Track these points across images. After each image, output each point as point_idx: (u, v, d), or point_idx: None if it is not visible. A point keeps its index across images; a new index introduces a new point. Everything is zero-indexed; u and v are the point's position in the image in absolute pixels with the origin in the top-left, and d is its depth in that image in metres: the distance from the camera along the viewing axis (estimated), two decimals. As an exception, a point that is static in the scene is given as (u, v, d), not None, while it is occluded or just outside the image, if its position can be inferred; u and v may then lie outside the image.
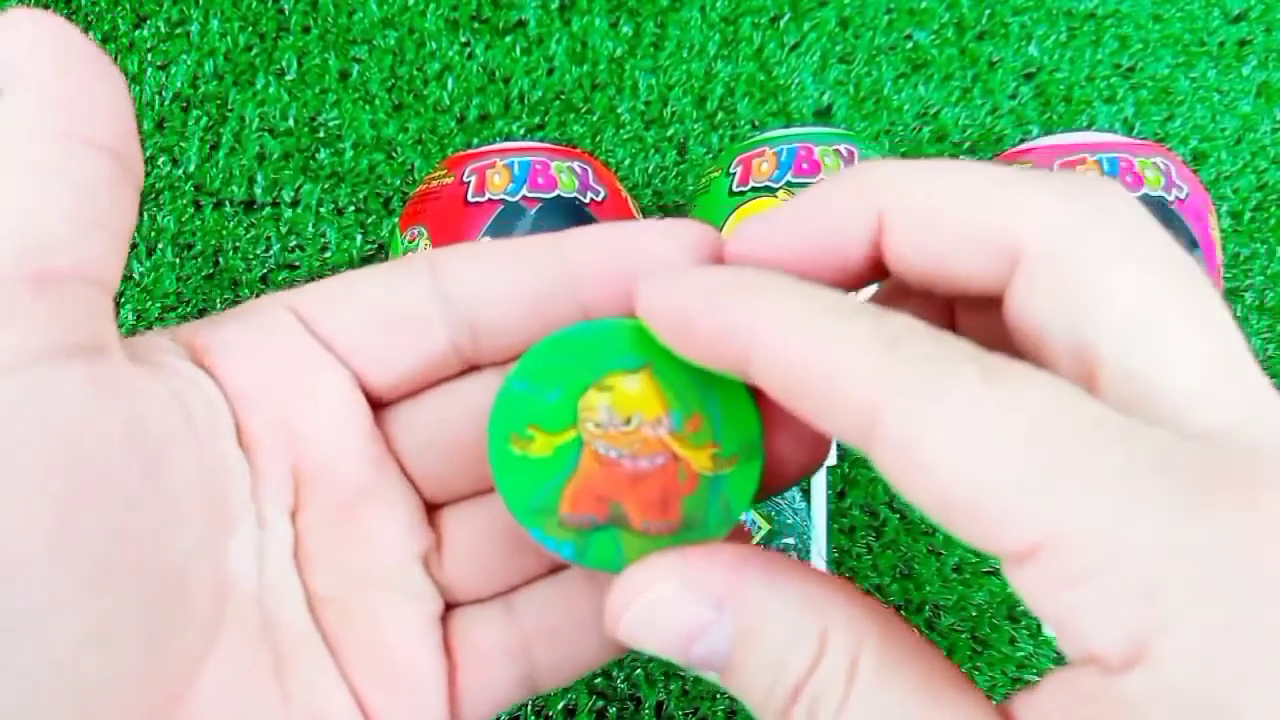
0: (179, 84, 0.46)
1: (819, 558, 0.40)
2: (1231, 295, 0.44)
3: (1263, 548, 0.11)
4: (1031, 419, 0.12)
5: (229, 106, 0.46)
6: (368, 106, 0.46)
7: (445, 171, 0.37)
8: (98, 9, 0.47)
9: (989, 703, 0.14)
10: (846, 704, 0.14)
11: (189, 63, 0.46)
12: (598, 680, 0.41)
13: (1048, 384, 0.13)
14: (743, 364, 0.15)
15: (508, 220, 0.35)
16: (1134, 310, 0.13)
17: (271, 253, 0.45)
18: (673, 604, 0.16)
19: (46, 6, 0.47)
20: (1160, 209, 0.35)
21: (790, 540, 0.40)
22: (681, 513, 0.19)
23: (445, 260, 0.18)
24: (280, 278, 0.44)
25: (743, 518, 0.39)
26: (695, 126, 0.46)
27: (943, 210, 0.15)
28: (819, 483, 0.40)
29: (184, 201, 0.45)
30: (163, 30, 0.47)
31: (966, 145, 0.46)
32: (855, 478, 0.43)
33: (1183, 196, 0.35)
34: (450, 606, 0.19)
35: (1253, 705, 0.11)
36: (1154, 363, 0.13)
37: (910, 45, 0.47)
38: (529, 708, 0.41)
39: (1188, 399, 0.13)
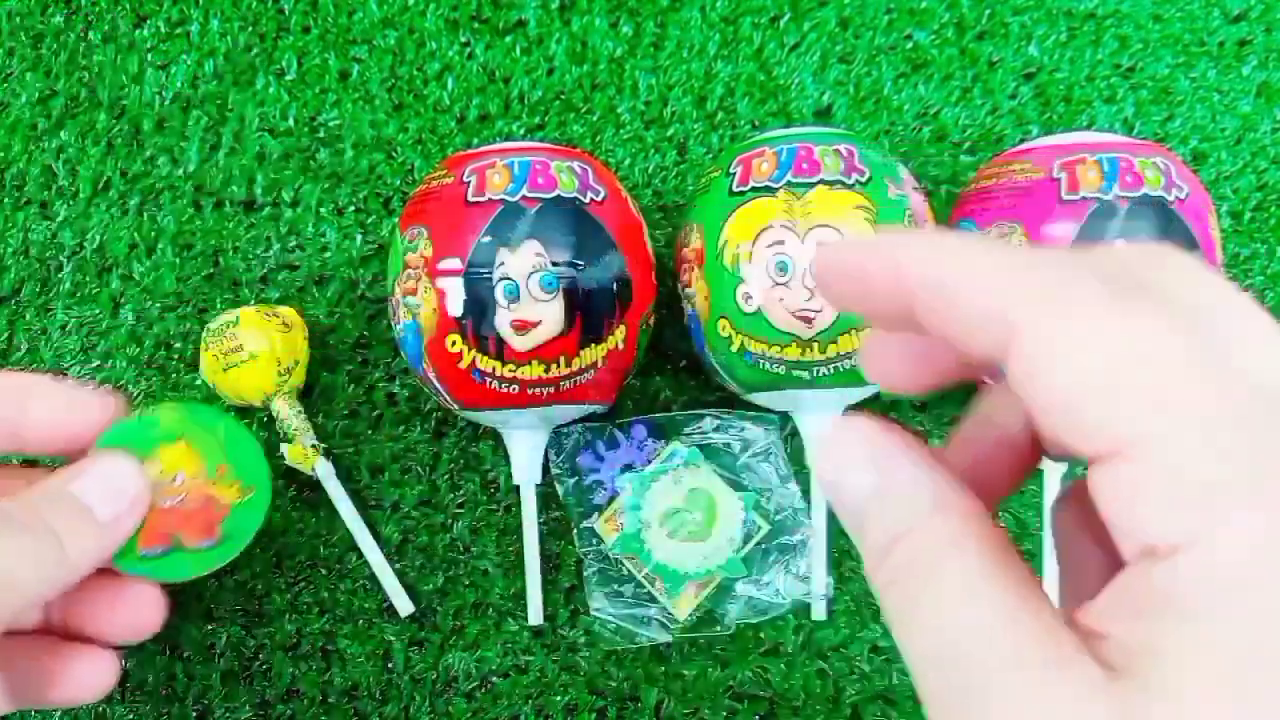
0: (179, 84, 0.46)
1: (819, 557, 0.40)
2: (1231, 295, 0.44)
3: None
4: (1143, 341, 0.15)
5: (229, 106, 0.46)
6: (368, 106, 0.46)
7: (445, 171, 0.37)
8: (98, 9, 0.47)
9: (1057, 611, 0.16)
10: (945, 561, 0.17)
11: (189, 63, 0.46)
12: (598, 680, 0.41)
13: (1162, 315, 0.16)
14: (906, 298, 0.18)
15: (508, 220, 0.35)
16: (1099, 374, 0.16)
17: (271, 253, 0.45)
18: (846, 453, 0.19)
19: (46, 6, 0.47)
20: (1160, 209, 0.35)
21: (790, 539, 0.40)
22: (221, 531, 0.32)
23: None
24: (280, 278, 0.44)
25: (741, 517, 0.40)
26: (695, 126, 0.46)
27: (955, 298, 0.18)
28: (818, 483, 0.40)
29: (184, 201, 0.45)
30: (163, 30, 0.47)
31: (966, 145, 0.46)
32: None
33: (1183, 196, 0.35)
34: None
35: (1265, 584, 0.14)
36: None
37: (910, 45, 0.47)
38: (528, 708, 0.41)
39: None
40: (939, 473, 0.18)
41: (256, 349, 0.39)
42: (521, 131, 0.46)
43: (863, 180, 0.35)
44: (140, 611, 0.32)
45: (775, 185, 0.35)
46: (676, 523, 0.39)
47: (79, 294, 0.44)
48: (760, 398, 0.39)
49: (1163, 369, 0.15)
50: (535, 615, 0.41)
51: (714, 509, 0.40)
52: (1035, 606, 0.16)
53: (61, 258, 0.45)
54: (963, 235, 0.19)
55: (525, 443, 0.40)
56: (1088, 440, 0.15)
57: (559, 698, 0.41)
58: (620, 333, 0.37)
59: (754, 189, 0.36)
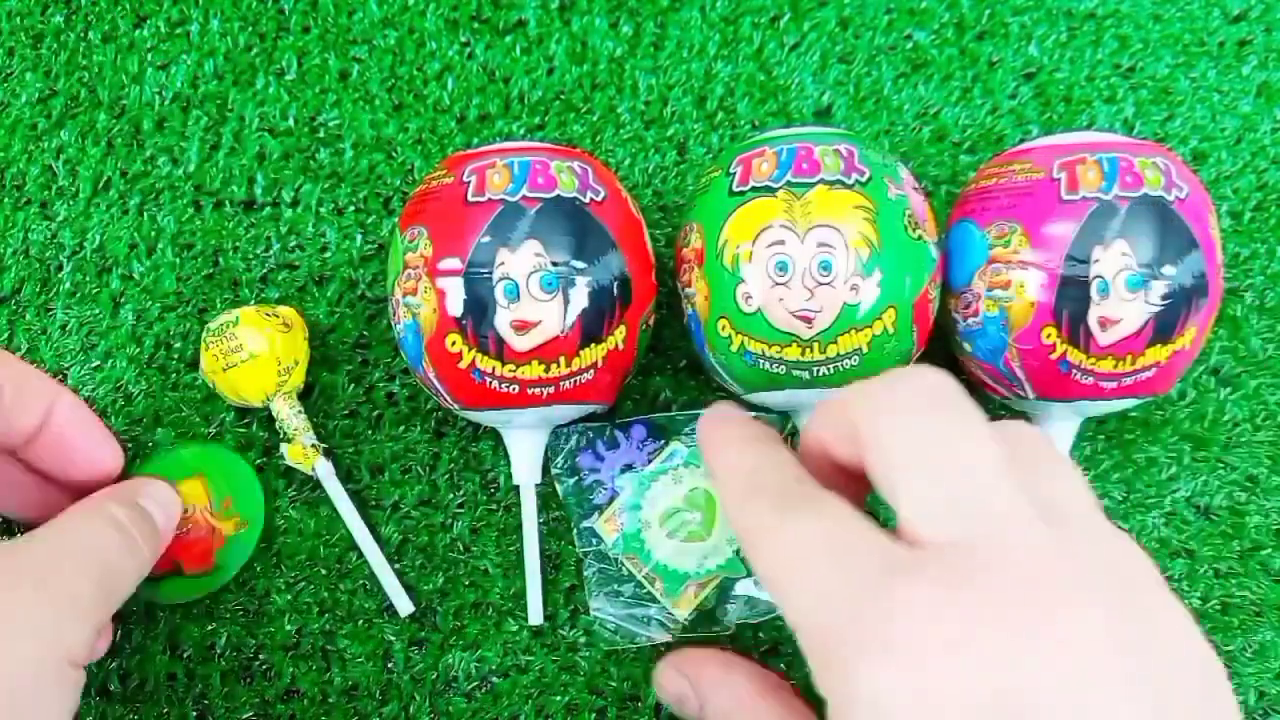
0: (179, 84, 0.46)
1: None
2: (1231, 295, 0.44)
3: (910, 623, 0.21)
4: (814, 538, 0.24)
5: (229, 106, 0.46)
6: (368, 106, 0.46)
7: (445, 171, 0.37)
8: (98, 9, 0.47)
9: None
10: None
11: (189, 63, 0.46)
12: (598, 680, 0.41)
13: (821, 512, 0.24)
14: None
15: (508, 220, 0.35)
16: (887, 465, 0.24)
17: (271, 253, 0.45)
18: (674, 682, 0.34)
19: (46, 6, 0.47)
20: (1160, 209, 0.35)
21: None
22: (215, 561, 0.38)
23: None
24: (280, 278, 0.44)
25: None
26: (695, 126, 0.46)
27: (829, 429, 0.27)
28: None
29: (184, 201, 0.45)
30: (163, 30, 0.47)
31: (966, 145, 0.46)
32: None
33: (1183, 196, 0.35)
34: None
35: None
36: (893, 500, 0.23)
37: (910, 45, 0.47)
38: (528, 708, 0.41)
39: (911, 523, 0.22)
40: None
41: (256, 349, 0.39)
42: (521, 131, 0.46)
43: (863, 180, 0.35)
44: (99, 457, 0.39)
45: (775, 185, 0.35)
46: (676, 523, 0.39)
47: (79, 294, 0.44)
48: (760, 398, 0.39)
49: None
50: (535, 615, 0.41)
51: (714, 509, 0.39)
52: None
53: (61, 258, 0.45)
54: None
55: (525, 443, 0.40)
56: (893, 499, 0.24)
57: (559, 698, 0.41)
58: (620, 333, 0.37)
59: (754, 189, 0.36)
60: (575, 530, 0.41)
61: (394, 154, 0.45)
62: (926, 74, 0.46)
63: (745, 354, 0.36)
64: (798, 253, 0.35)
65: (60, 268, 0.45)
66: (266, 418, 0.42)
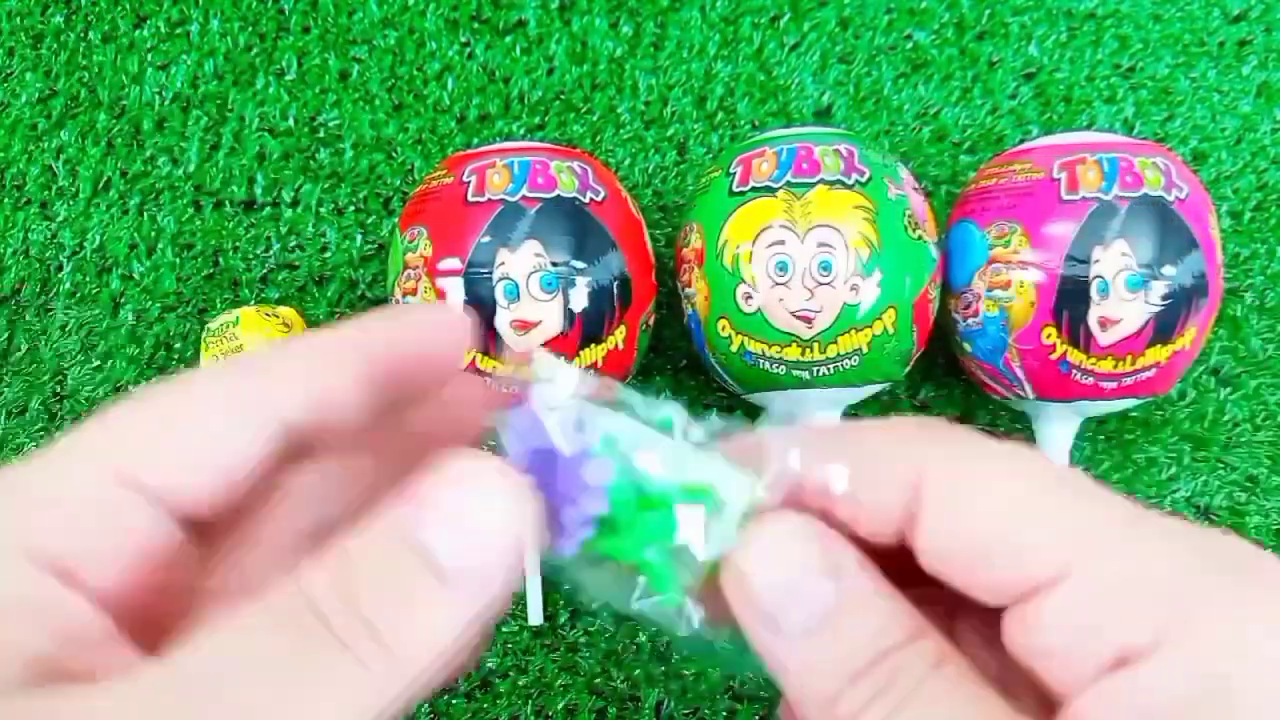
0: (179, 84, 0.46)
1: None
2: (1231, 295, 0.44)
3: (1253, 571, 0.15)
4: (1055, 476, 0.16)
5: (229, 106, 0.46)
6: (368, 106, 0.46)
7: (445, 171, 0.37)
8: (98, 9, 0.47)
9: None
10: (926, 682, 0.16)
11: (189, 63, 0.46)
12: (598, 680, 0.41)
13: (1050, 461, 0.16)
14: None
15: (508, 220, 0.35)
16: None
17: (271, 253, 0.45)
18: (798, 551, 0.17)
19: (46, 7, 0.47)
20: (1160, 209, 0.35)
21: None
22: None
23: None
24: (280, 277, 0.44)
25: None
26: (695, 126, 0.46)
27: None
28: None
29: (184, 201, 0.45)
30: (163, 30, 0.47)
31: (966, 145, 0.46)
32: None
33: (1183, 196, 0.35)
34: None
35: (1249, 673, 0.14)
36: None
37: (910, 45, 0.47)
38: (529, 708, 0.41)
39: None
40: (896, 592, 0.17)
41: (257, 349, 0.39)
42: (521, 131, 0.46)
43: (863, 180, 0.35)
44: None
45: (775, 185, 0.35)
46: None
47: (79, 294, 0.44)
48: (760, 398, 0.39)
49: (1070, 493, 0.16)
50: (535, 615, 0.41)
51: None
52: None
53: (61, 258, 0.45)
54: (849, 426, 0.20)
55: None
56: (1024, 569, 0.15)
57: (559, 698, 0.41)
58: (620, 333, 0.37)
59: (754, 189, 0.36)
60: None
61: (394, 154, 0.45)
62: (926, 74, 0.46)
63: (745, 354, 0.36)
64: (798, 253, 0.35)
65: (60, 268, 0.45)
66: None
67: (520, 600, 0.41)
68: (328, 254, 0.45)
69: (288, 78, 0.46)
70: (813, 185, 0.35)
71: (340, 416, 0.18)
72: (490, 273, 0.35)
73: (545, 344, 0.35)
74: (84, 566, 0.16)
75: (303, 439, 0.18)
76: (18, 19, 0.47)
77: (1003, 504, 0.16)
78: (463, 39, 0.47)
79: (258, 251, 0.45)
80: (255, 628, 0.15)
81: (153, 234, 0.45)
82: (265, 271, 0.44)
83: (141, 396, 0.17)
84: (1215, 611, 0.14)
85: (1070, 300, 0.35)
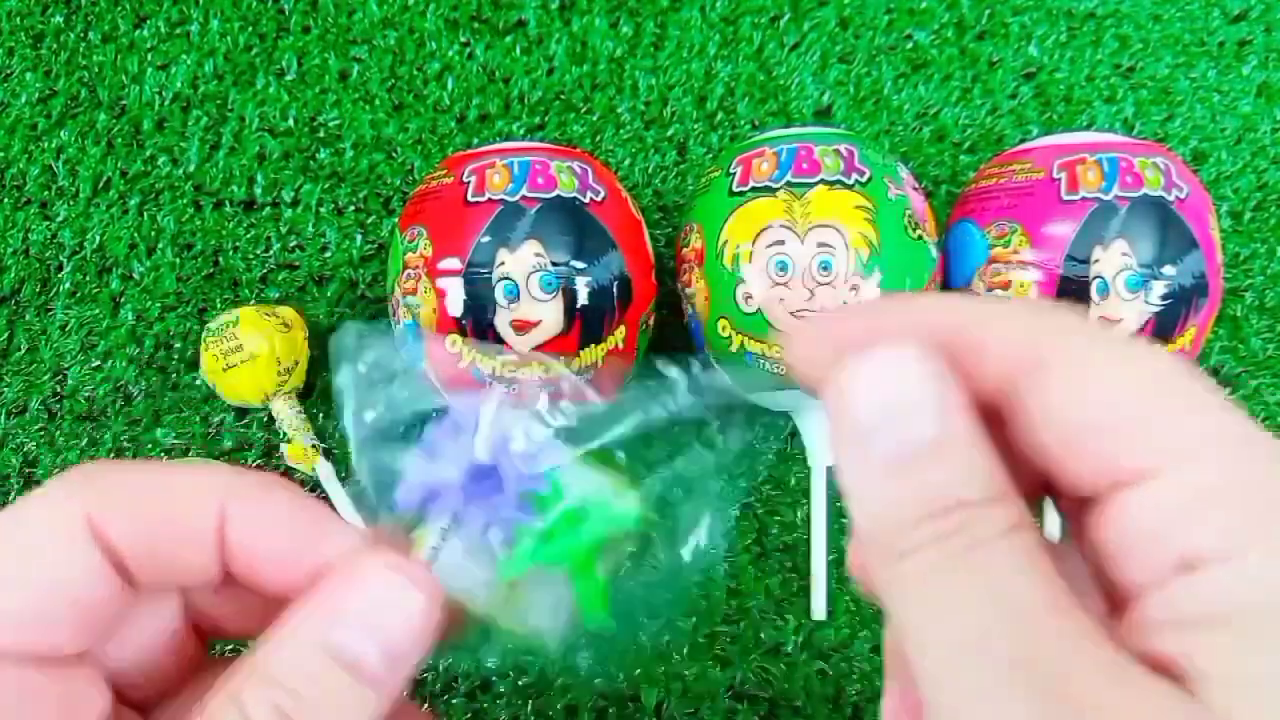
0: (179, 84, 0.46)
1: (818, 558, 0.40)
2: (1231, 295, 0.44)
3: None
4: (1175, 371, 0.15)
5: (229, 106, 0.46)
6: (368, 106, 0.46)
7: (445, 171, 0.37)
8: (98, 9, 0.47)
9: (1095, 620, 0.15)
10: (996, 539, 0.15)
11: (189, 63, 0.46)
12: (598, 680, 0.41)
13: (1174, 357, 0.16)
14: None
15: (508, 220, 0.35)
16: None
17: (271, 253, 0.45)
18: (911, 379, 0.16)
19: (46, 7, 0.47)
20: (1160, 209, 0.35)
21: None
22: None
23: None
24: (280, 278, 0.44)
25: None
26: (695, 126, 0.46)
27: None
28: (818, 483, 0.40)
29: (184, 201, 0.45)
30: (163, 30, 0.47)
31: (966, 145, 0.46)
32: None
33: (1183, 196, 0.35)
34: None
35: None
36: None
37: (910, 45, 0.47)
38: (529, 708, 0.41)
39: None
40: (994, 451, 0.16)
41: (256, 349, 0.39)
42: (521, 131, 0.46)
43: (863, 180, 0.35)
44: None
45: (775, 185, 0.35)
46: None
47: (79, 294, 0.44)
48: (760, 398, 0.39)
49: (1191, 396, 0.15)
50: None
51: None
52: (1090, 616, 0.15)
53: (61, 258, 0.45)
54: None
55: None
56: (1121, 460, 0.15)
57: (559, 698, 0.41)
58: (620, 333, 0.37)
59: (754, 189, 0.36)
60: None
61: (394, 154, 0.45)
62: (926, 74, 0.46)
63: (745, 354, 0.36)
64: (798, 253, 0.35)
65: (60, 268, 0.45)
66: (266, 418, 0.42)
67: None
68: (328, 254, 0.45)
69: (288, 78, 0.46)
70: (813, 185, 0.35)
71: (187, 558, 0.18)
72: (490, 273, 0.35)
73: (546, 343, 0.35)
74: None
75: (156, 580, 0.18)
76: (18, 19, 0.47)
77: (1119, 385, 0.15)
78: (463, 39, 0.47)
79: (258, 251, 0.45)
80: None
81: (153, 234, 0.45)
82: (265, 271, 0.44)
83: None
84: None
85: (1070, 300, 0.35)
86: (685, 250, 0.38)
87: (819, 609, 0.41)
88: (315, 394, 0.43)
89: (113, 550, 0.17)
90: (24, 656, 0.17)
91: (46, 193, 0.45)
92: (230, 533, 0.18)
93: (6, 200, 0.45)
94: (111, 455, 0.43)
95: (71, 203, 0.45)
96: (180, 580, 0.19)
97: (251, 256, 0.44)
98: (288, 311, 0.42)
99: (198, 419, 0.43)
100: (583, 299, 0.35)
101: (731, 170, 0.37)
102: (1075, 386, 0.15)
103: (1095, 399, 0.15)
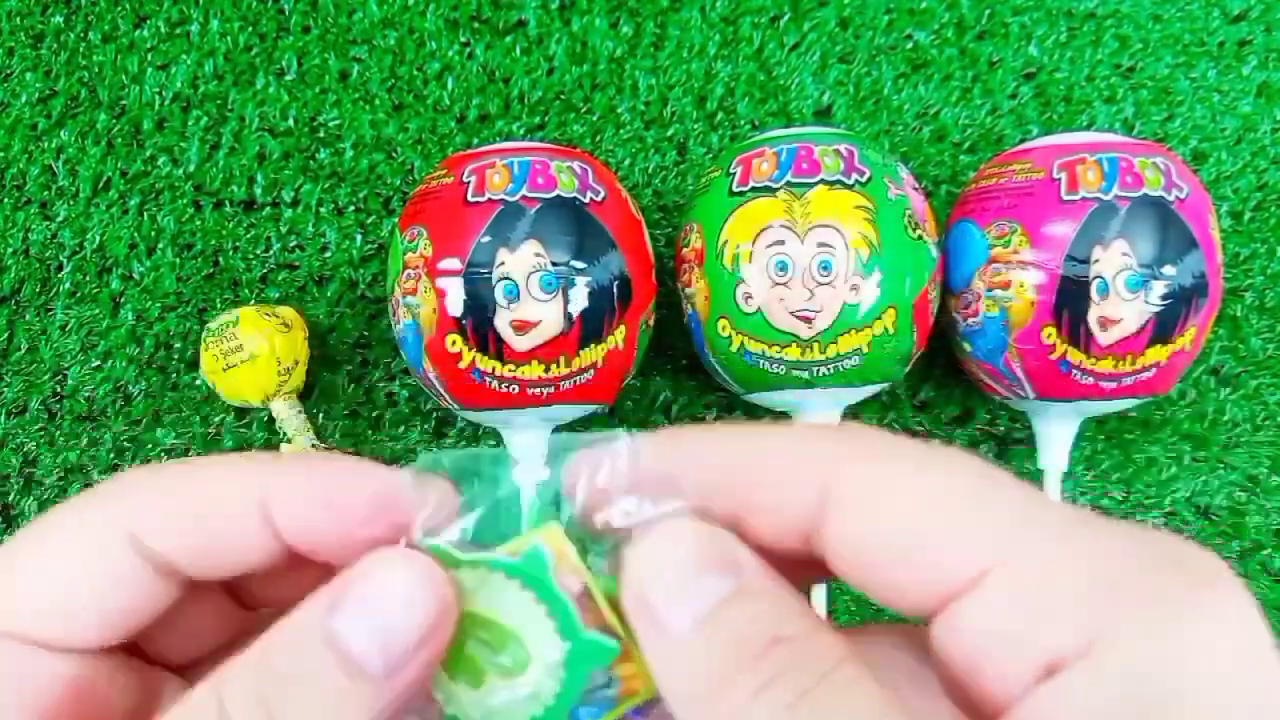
0: (179, 84, 0.46)
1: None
2: (1231, 295, 0.44)
3: (1191, 571, 0.14)
4: (973, 471, 0.15)
5: (229, 106, 0.46)
6: (368, 106, 0.46)
7: (445, 171, 0.37)
8: (98, 9, 0.47)
9: None
10: (833, 671, 0.14)
11: (189, 63, 0.46)
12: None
13: (975, 459, 0.15)
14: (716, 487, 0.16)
15: (507, 220, 0.35)
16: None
17: (271, 253, 0.45)
18: (691, 548, 0.16)
19: (46, 7, 0.47)
20: (1160, 209, 0.35)
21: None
22: None
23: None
24: (280, 278, 0.44)
25: None
26: (695, 126, 0.46)
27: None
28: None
29: (184, 201, 0.45)
30: (163, 30, 0.47)
31: (966, 145, 0.46)
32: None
33: (1183, 196, 0.35)
34: None
35: (1185, 675, 0.13)
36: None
37: (910, 45, 0.47)
38: (529, 708, 0.41)
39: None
40: (794, 590, 0.16)
41: (256, 349, 0.39)
42: (521, 131, 0.46)
43: (863, 180, 0.35)
44: None
45: (775, 185, 0.35)
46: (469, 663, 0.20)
47: (79, 294, 0.44)
48: (760, 398, 0.39)
49: (996, 492, 0.15)
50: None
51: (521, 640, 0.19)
52: None
53: (61, 258, 0.45)
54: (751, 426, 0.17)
55: (525, 443, 0.39)
56: (943, 571, 0.14)
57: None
58: (620, 333, 0.37)
59: (754, 189, 0.36)
60: None
61: (394, 154, 0.45)
62: (926, 74, 0.46)
63: (745, 354, 0.36)
64: (798, 253, 0.35)
65: (60, 268, 0.45)
66: (266, 418, 0.42)
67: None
68: (328, 254, 0.45)
69: (288, 78, 0.46)
70: (813, 185, 0.35)
71: (237, 552, 0.18)
72: (490, 273, 0.35)
73: (546, 343, 0.35)
74: None
75: (199, 572, 0.18)
76: (18, 19, 0.47)
77: (920, 499, 0.15)
78: (463, 39, 0.47)
79: (258, 251, 0.45)
80: None
81: (153, 234, 0.45)
82: (265, 271, 0.44)
83: (10, 545, 0.17)
84: (1148, 612, 0.13)
85: (1070, 300, 0.35)
86: (685, 250, 0.38)
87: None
88: (315, 394, 0.43)
89: (153, 553, 0.17)
90: (50, 645, 0.17)
91: (46, 193, 0.45)
92: (278, 517, 0.17)
93: (6, 200, 0.45)
94: (111, 455, 0.43)
95: (71, 203, 0.45)
96: (236, 570, 0.18)
97: (251, 256, 0.44)
98: (288, 311, 0.42)
99: (198, 419, 0.43)
100: (583, 299, 0.35)
101: (731, 170, 0.37)
102: (870, 514, 0.15)
103: (894, 521, 0.15)
